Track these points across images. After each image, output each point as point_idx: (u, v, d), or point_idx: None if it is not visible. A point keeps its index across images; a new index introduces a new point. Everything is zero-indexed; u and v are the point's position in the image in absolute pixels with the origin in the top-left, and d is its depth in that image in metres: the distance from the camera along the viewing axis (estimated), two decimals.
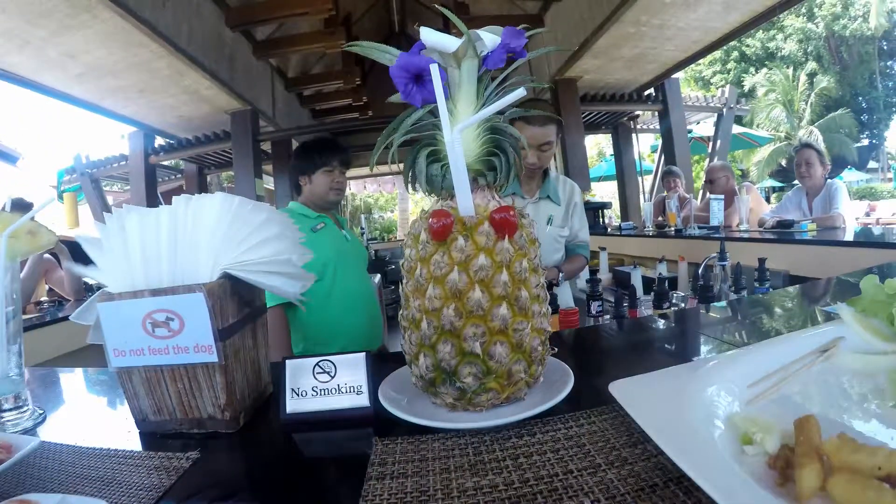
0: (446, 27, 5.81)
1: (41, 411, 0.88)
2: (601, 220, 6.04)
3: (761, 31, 21.92)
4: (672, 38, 5.41)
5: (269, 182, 8.45)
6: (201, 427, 0.76)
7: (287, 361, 0.76)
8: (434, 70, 0.63)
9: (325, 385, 0.74)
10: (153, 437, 0.76)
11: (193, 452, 0.67)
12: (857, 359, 0.62)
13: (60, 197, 6.84)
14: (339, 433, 0.73)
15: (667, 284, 1.45)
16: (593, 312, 1.42)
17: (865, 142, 23.87)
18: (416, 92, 0.66)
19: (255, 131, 6.42)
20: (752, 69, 24.13)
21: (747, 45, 23.81)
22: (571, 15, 5.54)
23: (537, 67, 6.66)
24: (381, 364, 0.78)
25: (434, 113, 0.66)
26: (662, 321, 1.22)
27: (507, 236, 0.64)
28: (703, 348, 0.98)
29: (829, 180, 3.49)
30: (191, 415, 0.75)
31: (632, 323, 1.25)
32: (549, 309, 0.70)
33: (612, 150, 9.47)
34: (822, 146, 18.94)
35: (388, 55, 0.67)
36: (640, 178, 8.66)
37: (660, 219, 5.15)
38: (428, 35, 0.65)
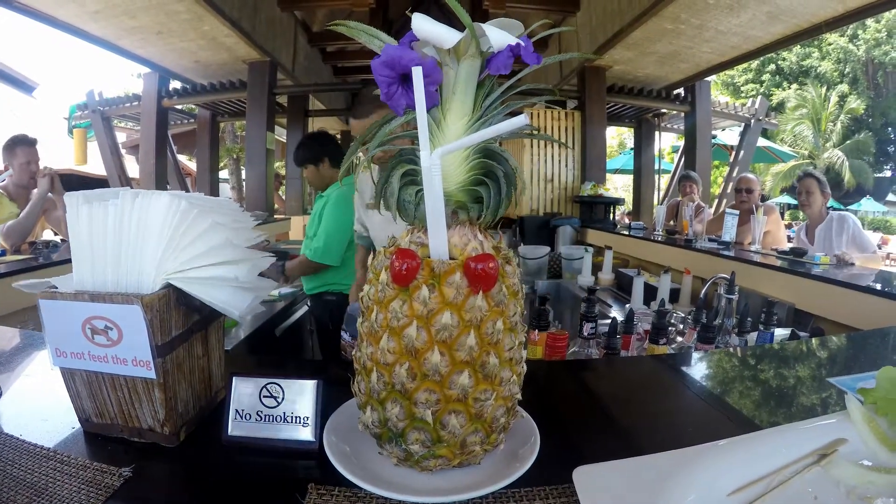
0: (473, 9, 5.57)
1: None
2: (612, 216, 5.91)
3: (800, 46, 21.14)
4: (710, 41, 5.18)
5: (281, 135, 8.33)
6: (142, 437, 0.71)
7: (234, 378, 0.70)
8: (417, 73, 0.51)
9: (271, 411, 0.68)
10: (96, 439, 0.72)
11: (127, 470, 0.62)
12: (855, 472, 0.54)
13: (70, 132, 6.77)
14: (282, 463, 0.67)
15: (667, 318, 1.36)
16: (585, 334, 1.34)
17: (888, 173, 23.28)
18: (401, 96, 0.54)
19: (272, 84, 6.27)
20: (784, 83, 23.38)
21: (783, 59, 22.98)
22: (609, 1, 5.31)
23: (567, 50, 6.44)
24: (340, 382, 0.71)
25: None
26: (654, 365, 1.15)
27: (481, 291, 0.53)
28: (692, 425, 0.92)
29: (834, 212, 3.36)
30: (131, 424, 0.70)
31: (621, 368, 1.16)
32: (525, 368, 0.61)
33: (633, 145, 9.25)
34: (846, 169, 18.48)
35: (377, 41, 0.55)
36: (657, 177, 8.47)
37: (671, 223, 5.02)
38: (421, 24, 0.52)
